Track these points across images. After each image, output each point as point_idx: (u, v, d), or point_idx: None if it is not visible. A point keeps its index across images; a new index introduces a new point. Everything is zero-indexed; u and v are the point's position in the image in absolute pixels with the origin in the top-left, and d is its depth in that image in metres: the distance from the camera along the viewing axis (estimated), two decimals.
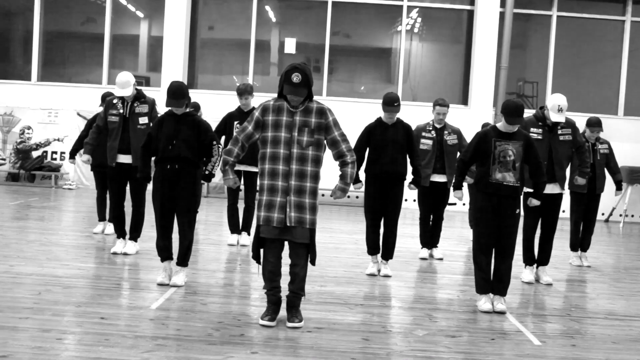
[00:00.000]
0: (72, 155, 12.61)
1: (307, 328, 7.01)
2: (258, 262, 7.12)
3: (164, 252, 8.60)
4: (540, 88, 21.69)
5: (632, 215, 20.48)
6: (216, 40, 22.82)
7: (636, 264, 13.00)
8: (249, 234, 11.74)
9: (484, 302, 8.24)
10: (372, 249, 10.09)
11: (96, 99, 20.16)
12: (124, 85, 10.06)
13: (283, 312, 7.23)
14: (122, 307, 7.48)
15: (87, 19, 22.89)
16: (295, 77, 6.76)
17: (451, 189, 9.80)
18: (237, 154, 7.14)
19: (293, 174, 6.84)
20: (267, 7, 22.16)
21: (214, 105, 18.19)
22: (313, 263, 7.12)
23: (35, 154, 21.65)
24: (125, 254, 10.33)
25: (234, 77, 22.36)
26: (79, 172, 21.43)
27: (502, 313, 8.16)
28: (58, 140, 21.05)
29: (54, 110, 21.85)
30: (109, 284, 8.56)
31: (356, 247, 11.72)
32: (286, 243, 7.08)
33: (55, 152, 21.94)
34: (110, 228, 12.09)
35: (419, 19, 22.03)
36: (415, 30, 22.10)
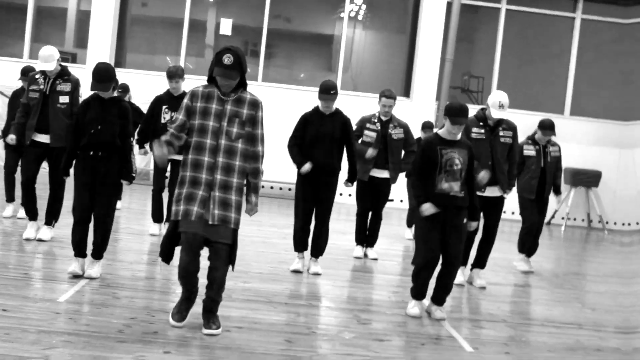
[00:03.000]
0: (4, 136, 11.95)
1: (226, 327, 6.56)
2: (166, 261, 6.55)
3: (79, 247, 8.04)
4: (486, 83, 21.47)
5: (575, 219, 20.39)
6: (148, 17, 22.12)
7: (576, 269, 12.84)
8: None
9: (413, 306, 7.89)
10: (299, 245, 9.64)
11: (15, 73, 19.43)
12: (47, 59, 9.48)
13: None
14: (28, 299, 6.94)
15: None
16: (227, 59, 6.21)
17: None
18: (175, 143, 6.47)
19: (219, 167, 6.29)
20: None
21: (143, 86, 17.51)
22: (232, 268, 6.56)
23: None
24: (40, 240, 9.71)
25: (167, 58, 21.75)
26: None
27: (441, 320, 7.78)
28: None
29: None
30: (17, 273, 7.98)
31: (285, 242, 11.23)
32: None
33: None
34: (22, 211, 11.43)
35: (363, 6, 21.64)
36: (359, 17, 21.70)
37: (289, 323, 7.10)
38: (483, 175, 8.82)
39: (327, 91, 9.28)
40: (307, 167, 9.32)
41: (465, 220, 7.79)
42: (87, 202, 7.93)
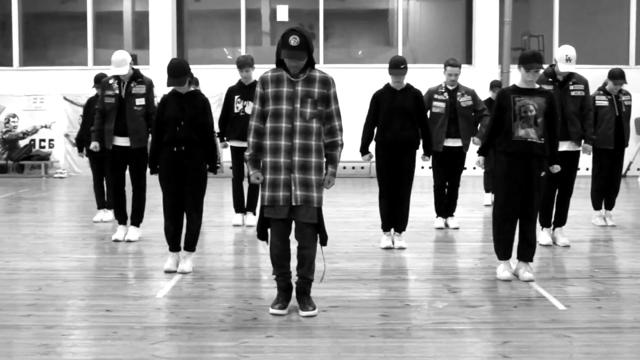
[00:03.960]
0: (80, 148, 12.24)
1: (322, 307, 6.69)
2: (265, 239, 6.67)
3: (174, 241, 8.25)
4: (547, 41, 21.24)
5: (638, 169, 20.12)
6: (204, 12, 22.30)
7: None
8: (254, 214, 11.33)
9: (503, 270, 7.94)
10: (386, 224, 9.72)
11: (82, 82, 19.80)
12: (120, 63, 9.70)
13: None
14: (127, 298, 7.18)
15: None
16: (293, 40, 6.25)
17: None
18: (255, 145, 6.53)
19: (297, 149, 6.37)
20: None
21: (205, 79, 17.69)
22: (324, 243, 6.63)
23: (22, 143, 21.09)
24: (128, 240, 9.99)
25: (225, 50, 21.94)
26: (69, 160, 20.94)
27: (530, 281, 7.82)
28: (45, 127, 20.68)
29: (39, 96, 21.07)
30: (112, 274, 8.25)
31: (365, 220, 11.37)
32: (293, 224, 6.61)
33: (44, 140, 21.23)
34: (109, 215, 11.74)
35: None
36: None
37: (381, 298, 7.23)
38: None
39: (397, 66, 9.34)
40: (366, 157, 9.68)
41: (543, 174, 7.83)
42: (176, 198, 8.13)
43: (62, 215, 13.21)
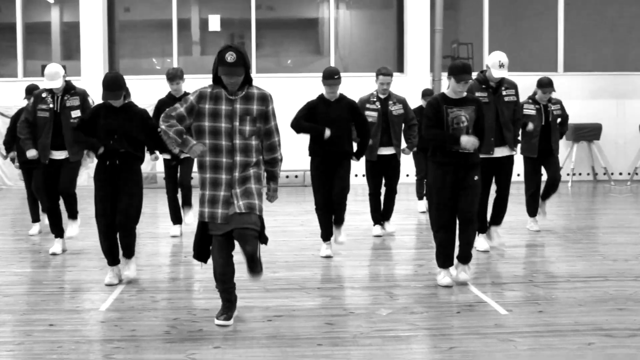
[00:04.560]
0: (8, 150, 11.98)
1: (267, 317, 6.73)
2: (201, 260, 6.66)
3: (110, 255, 8.18)
4: (476, 49, 21.51)
5: (580, 174, 20.46)
6: (135, 22, 22.11)
7: (589, 224, 12.98)
8: (190, 207, 11.36)
9: (444, 277, 8.02)
10: (326, 234, 9.74)
11: (12, 93, 19.44)
12: (54, 76, 9.57)
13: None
14: (70, 312, 7.10)
15: None
16: (230, 57, 6.25)
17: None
18: (176, 126, 6.40)
19: (237, 165, 6.37)
20: None
21: (136, 90, 17.50)
22: (265, 242, 6.54)
23: None
24: (69, 237, 10.03)
25: (154, 60, 21.77)
26: (0, 172, 20.56)
27: (464, 284, 7.95)
28: None
29: None
30: (52, 288, 8.16)
31: (303, 229, 11.40)
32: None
33: None
34: (34, 227, 11.63)
35: None
36: None
37: (325, 306, 7.26)
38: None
39: (332, 76, 9.41)
40: (327, 132, 9.46)
41: (476, 178, 7.95)
42: (111, 210, 8.05)
43: None
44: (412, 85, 18.91)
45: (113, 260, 8.19)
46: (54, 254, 9.86)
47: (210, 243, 6.59)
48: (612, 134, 20.24)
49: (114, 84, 7.91)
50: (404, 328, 6.49)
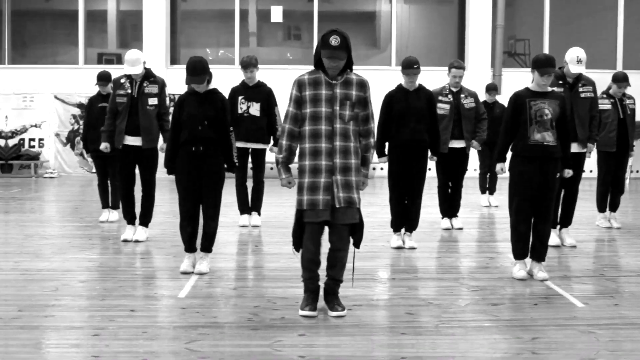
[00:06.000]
0: (86, 147, 12.13)
1: (347, 306, 6.70)
2: (298, 250, 6.64)
3: (190, 242, 8.23)
4: (533, 45, 21.40)
5: (637, 171, 20.28)
6: (197, 12, 22.26)
7: None
8: (259, 214, 11.38)
9: (519, 270, 8.02)
10: (397, 225, 9.78)
11: (73, 80, 19.73)
12: (134, 62, 9.68)
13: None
14: (149, 298, 7.18)
15: None
16: (334, 40, 6.26)
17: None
18: (289, 148, 6.54)
19: (337, 151, 6.36)
20: None
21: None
22: (357, 245, 6.67)
23: (11, 142, 20.96)
24: (136, 241, 9.96)
25: (207, 50, 21.87)
26: (60, 159, 20.83)
27: (544, 280, 7.90)
28: (35, 126, 20.54)
29: (29, 95, 20.98)
30: (127, 274, 8.24)
31: (371, 221, 11.31)
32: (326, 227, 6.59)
33: (33, 139, 21.14)
34: (114, 215, 11.72)
35: None
36: None
37: (402, 296, 7.28)
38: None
39: (411, 66, 9.42)
40: (383, 159, 9.71)
41: (558, 175, 7.96)
42: (194, 199, 8.10)
43: (63, 215, 13.10)
44: (474, 80, 18.84)
45: (190, 248, 8.24)
46: (125, 241, 9.98)
47: (304, 231, 6.58)
48: None
49: (198, 68, 7.89)
50: (485, 319, 6.49)
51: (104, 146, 10.13)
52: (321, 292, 6.69)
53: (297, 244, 6.60)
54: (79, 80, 19.86)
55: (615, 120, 11.08)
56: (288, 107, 6.52)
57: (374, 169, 19.68)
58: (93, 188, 13.56)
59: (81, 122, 18.86)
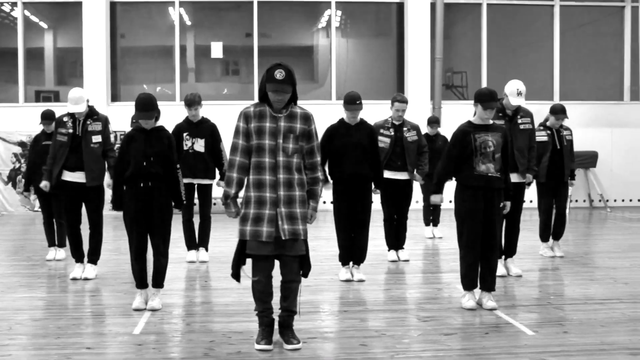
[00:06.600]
0: (28, 187, 12.03)
1: (302, 339, 6.76)
2: (238, 280, 6.71)
3: (141, 279, 8.25)
4: (470, 77, 21.76)
5: (576, 200, 20.70)
6: (137, 48, 22.27)
7: (593, 248, 13.27)
8: (206, 250, 11.41)
9: (468, 300, 8.16)
10: (345, 258, 9.89)
11: (14, 119, 19.57)
12: (78, 101, 9.68)
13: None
14: (104, 335, 7.19)
15: None
16: (279, 74, 6.36)
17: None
18: (239, 181, 6.59)
19: (281, 183, 6.47)
20: (182, 10, 21.69)
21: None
22: (306, 275, 6.78)
23: None
24: (85, 278, 9.90)
25: (145, 87, 21.80)
26: (1, 198, 20.53)
27: (493, 309, 8.06)
28: None
29: None
30: (80, 312, 8.25)
31: (317, 254, 11.44)
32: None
33: None
34: (61, 253, 11.67)
35: (342, 15, 21.88)
36: (338, 25, 21.85)
37: (356, 328, 7.36)
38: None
39: (353, 101, 9.57)
40: (328, 185, 9.74)
41: (502, 204, 8.19)
42: (143, 235, 8.14)
43: (9, 255, 12.95)
44: (414, 113, 19.04)
45: (142, 284, 8.26)
46: (74, 279, 9.92)
47: (245, 263, 6.67)
48: (608, 161, 20.51)
49: (148, 104, 8.00)
50: (438, 348, 6.61)
51: (43, 184, 10.11)
52: (276, 326, 6.75)
53: (237, 274, 6.68)
54: (19, 119, 19.73)
55: (548, 151, 11.30)
56: (235, 140, 6.57)
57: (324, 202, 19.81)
58: (36, 227, 13.48)
59: (22, 161, 18.75)
